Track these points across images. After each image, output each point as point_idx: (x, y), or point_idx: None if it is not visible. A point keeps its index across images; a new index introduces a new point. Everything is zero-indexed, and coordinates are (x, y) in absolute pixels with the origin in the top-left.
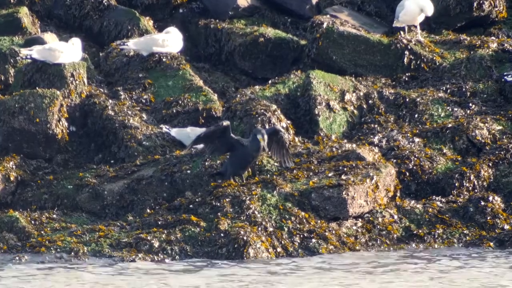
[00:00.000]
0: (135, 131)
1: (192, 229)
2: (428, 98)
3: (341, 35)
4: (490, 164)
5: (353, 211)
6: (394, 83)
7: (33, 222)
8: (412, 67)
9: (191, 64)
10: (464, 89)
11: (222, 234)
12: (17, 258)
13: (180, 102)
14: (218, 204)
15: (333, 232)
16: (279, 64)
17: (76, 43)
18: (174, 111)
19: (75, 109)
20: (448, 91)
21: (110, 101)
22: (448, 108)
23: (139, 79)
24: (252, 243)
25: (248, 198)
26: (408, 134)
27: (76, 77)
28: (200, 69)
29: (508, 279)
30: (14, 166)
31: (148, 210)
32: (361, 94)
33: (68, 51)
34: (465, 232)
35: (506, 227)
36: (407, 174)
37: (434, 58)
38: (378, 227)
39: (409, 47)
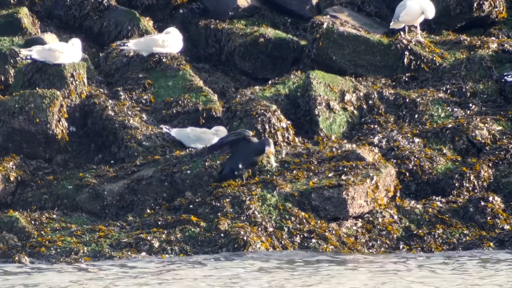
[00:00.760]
0: (135, 131)
1: (192, 229)
2: (428, 99)
3: (341, 36)
4: (490, 165)
5: (353, 211)
6: (394, 83)
7: (33, 222)
8: (412, 67)
9: (191, 64)
10: (464, 90)
11: (222, 234)
12: (16, 258)
13: (180, 102)
14: (218, 204)
15: (333, 232)
16: (279, 64)
17: (76, 43)
18: (174, 111)
19: (75, 109)
20: (448, 91)
21: (110, 101)
22: (448, 108)
23: (139, 79)
24: (252, 243)
25: (248, 198)
26: (408, 135)
27: (76, 77)
28: (200, 70)
29: (507, 280)
30: (14, 166)
31: (148, 210)
32: (361, 94)
33: (68, 52)
34: (465, 232)
35: (506, 227)
36: (407, 174)
37: (434, 58)
38: (378, 227)
39: (409, 48)
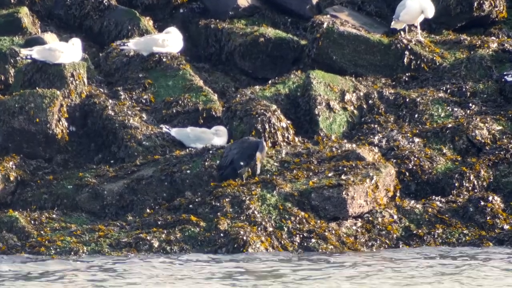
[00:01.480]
0: (135, 131)
1: (192, 229)
2: (428, 98)
3: (341, 35)
4: (490, 164)
5: (352, 211)
6: (394, 83)
7: (32, 222)
8: (412, 67)
9: (191, 64)
10: (464, 89)
11: (222, 234)
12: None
13: (180, 102)
14: (218, 204)
15: (333, 232)
16: (279, 64)
17: (76, 43)
18: (174, 111)
19: (75, 109)
20: (448, 91)
21: (110, 101)
22: (448, 108)
23: (139, 79)
24: (252, 243)
25: (247, 198)
26: (408, 134)
27: (76, 77)
28: (200, 69)
29: (507, 280)
30: (14, 166)
31: (148, 210)
32: (361, 94)
33: (68, 51)
34: (464, 232)
35: (506, 227)
36: (407, 174)
37: (434, 58)
38: (378, 227)
39: (409, 47)
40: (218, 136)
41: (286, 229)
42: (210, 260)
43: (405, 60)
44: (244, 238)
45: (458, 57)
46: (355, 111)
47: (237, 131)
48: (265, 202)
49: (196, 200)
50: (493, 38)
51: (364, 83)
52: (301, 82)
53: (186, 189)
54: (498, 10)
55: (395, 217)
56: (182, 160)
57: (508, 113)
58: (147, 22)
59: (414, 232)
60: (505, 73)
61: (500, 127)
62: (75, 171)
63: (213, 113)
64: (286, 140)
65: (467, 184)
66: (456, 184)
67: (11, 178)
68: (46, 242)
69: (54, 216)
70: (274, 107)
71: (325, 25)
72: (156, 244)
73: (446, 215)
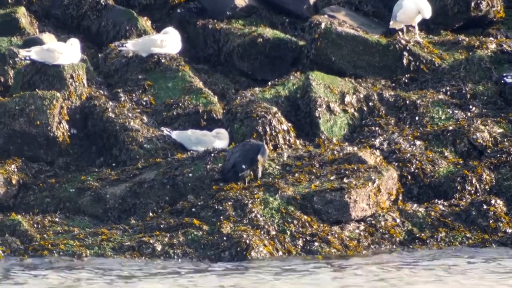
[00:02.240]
0: (136, 133)
1: (195, 233)
2: (428, 100)
3: (339, 36)
4: (492, 167)
5: (355, 215)
6: (393, 84)
7: (35, 225)
8: (411, 68)
9: (190, 65)
10: (464, 91)
11: (224, 238)
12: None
13: (180, 104)
14: (221, 207)
15: (336, 235)
16: (278, 65)
17: (74, 43)
18: (175, 113)
19: (75, 111)
20: (448, 93)
21: (110, 103)
22: (448, 110)
23: (139, 80)
24: (255, 246)
25: (250, 202)
26: (409, 137)
27: (76, 78)
28: (199, 70)
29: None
30: (16, 169)
31: (151, 214)
32: (361, 96)
33: (67, 52)
34: (467, 235)
35: (509, 230)
36: (409, 177)
37: (433, 59)
38: (381, 230)
39: (407, 48)
40: (219, 139)
41: (289, 232)
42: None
43: (404, 61)
44: (247, 241)
45: (457, 58)
46: (356, 114)
47: (238, 134)
48: (267, 206)
49: (199, 203)
50: (491, 38)
51: (364, 85)
52: (300, 83)
53: (188, 192)
54: (495, 10)
55: (398, 220)
56: (184, 163)
57: (509, 115)
58: (144, 22)
59: (417, 235)
60: (504, 74)
61: (501, 130)
62: (77, 174)
63: (214, 115)
64: (287, 143)
65: (469, 188)
66: (458, 188)
67: (13, 182)
68: (49, 245)
69: (56, 219)
70: (275, 109)
71: (323, 26)
72: (159, 247)
73: (449, 219)
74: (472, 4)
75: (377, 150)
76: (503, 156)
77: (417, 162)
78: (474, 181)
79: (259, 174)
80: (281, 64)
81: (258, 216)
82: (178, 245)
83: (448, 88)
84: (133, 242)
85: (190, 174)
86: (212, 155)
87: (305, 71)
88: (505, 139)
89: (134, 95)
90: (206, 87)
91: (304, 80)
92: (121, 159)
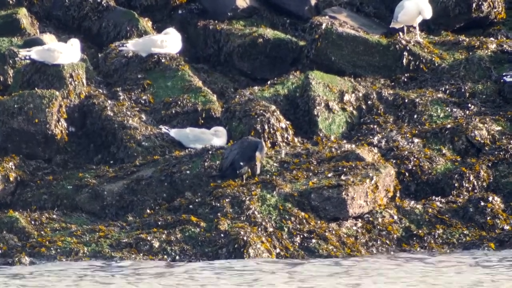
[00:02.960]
0: (134, 131)
1: (192, 230)
2: (427, 99)
3: (340, 36)
4: (490, 165)
5: (353, 212)
6: (393, 83)
7: (33, 222)
8: (411, 68)
9: (190, 65)
10: (463, 90)
11: (222, 235)
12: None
13: (179, 102)
14: (218, 204)
15: (333, 232)
16: (278, 65)
17: (75, 44)
18: (173, 111)
19: (74, 109)
20: (447, 91)
21: (109, 101)
22: (447, 108)
23: (138, 79)
24: (252, 243)
25: (248, 199)
26: (408, 135)
27: (75, 77)
28: (199, 70)
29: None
30: (13, 167)
31: (148, 211)
32: (360, 94)
33: (67, 52)
34: (465, 232)
35: (506, 227)
36: (407, 174)
37: (433, 59)
38: (378, 227)
39: (408, 48)
40: (217, 137)
41: (286, 229)
42: None
43: (404, 61)
44: (245, 238)
45: (457, 58)
46: (354, 112)
47: (236, 132)
48: (265, 203)
49: (196, 200)
50: (491, 39)
51: (363, 84)
52: (300, 82)
53: (185, 189)
54: (496, 11)
55: (395, 217)
56: (181, 161)
57: (507, 113)
58: (145, 23)
59: (415, 232)
60: (504, 73)
61: (499, 128)
62: (74, 171)
63: (212, 113)
64: (285, 140)
65: (467, 185)
66: (456, 185)
67: (11, 179)
68: (47, 242)
69: (54, 216)
70: (273, 107)
71: (323, 26)
72: (156, 244)
73: (446, 216)
74: (474, 5)
75: (375, 148)
76: (501, 153)
77: (415, 159)
78: (471, 178)
79: (258, 171)
80: (281, 64)
81: (256, 213)
82: (175, 242)
83: (447, 87)
84: (131, 239)
85: (188, 171)
86: (210, 152)
87: (304, 70)
88: (503, 137)
89: (133, 93)
90: (205, 86)
91: (303, 79)
92: (119, 156)
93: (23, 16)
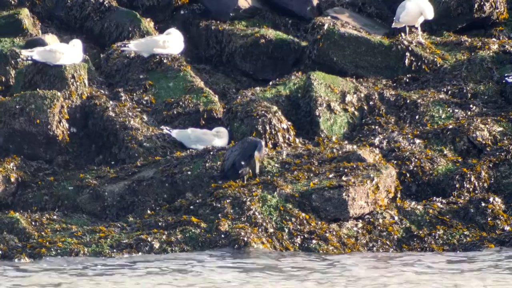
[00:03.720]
0: (135, 132)
1: (193, 230)
2: (429, 100)
3: (342, 37)
4: (491, 166)
5: (353, 212)
6: (395, 84)
7: (33, 223)
8: (413, 68)
9: (192, 65)
10: (465, 91)
11: (222, 235)
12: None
13: (180, 103)
14: (219, 205)
15: (334, 233)
16: (280, 65)
17: (77, 44)
18: (175, 112)
19: (75, 110)
20: (449, 92)
21: (110, 102)
22: (448, 109)
23: (140, 80)
24: (253, 244)
25: (248, 199)
26: (409, 136)
27: (77, 78)
28: (201, 71)
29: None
30: (14, 167)
31: (149, 211)
32: (362, 95)
33: (69, 53)
34: (465, 233)
35: (507, 228)
36: (408, 175)
37: (435, 59)
38: (379, 228)
39: (410, 49)
40: (219, 137)
41: (287, 230)
42: None
43: (406, 61)
44: (245, 239)
45: (458, 59)
46: (356, 112)
47: (238, 132)
48: (265, 203)
49: (197, 201)
50: (493, 39)
51: (365, 85)
52: (301, 83)
53: (187, 190)
54: (498, 11)
55: (396, 218)
56: (183, 161)
57: (509, 114)
58: (147, 24)
59: (415, 233)
60: (506, 74)
61: (500, 128)
62: (75, 172)
63: (214, 114)
64: (286, 141)
65: (468, 185)
66: (457, 185)
67: (12, 179)
68: (47, 243)
69: (55, 217)
70: (275, 108)
71: (325, 27)
72: (157, 245)
73: (447, 216)
74: (475, 5)
75: (377, 149)
76: (502, 154)
77: (416, 160)
78: (472, 179)
79: (257, 170)
80: (283, 64)
81: (256, 213)
82: (176, 242)
83: (449, 87)
84: (131, 240)
85: (189, 172)
86: (211, 153)
87: (306, 71)
88: (505, 138)
89: (134, 94)
90: (207, 87)
91: (305, 80)
92: (120, 157)
93: (25, 16)
